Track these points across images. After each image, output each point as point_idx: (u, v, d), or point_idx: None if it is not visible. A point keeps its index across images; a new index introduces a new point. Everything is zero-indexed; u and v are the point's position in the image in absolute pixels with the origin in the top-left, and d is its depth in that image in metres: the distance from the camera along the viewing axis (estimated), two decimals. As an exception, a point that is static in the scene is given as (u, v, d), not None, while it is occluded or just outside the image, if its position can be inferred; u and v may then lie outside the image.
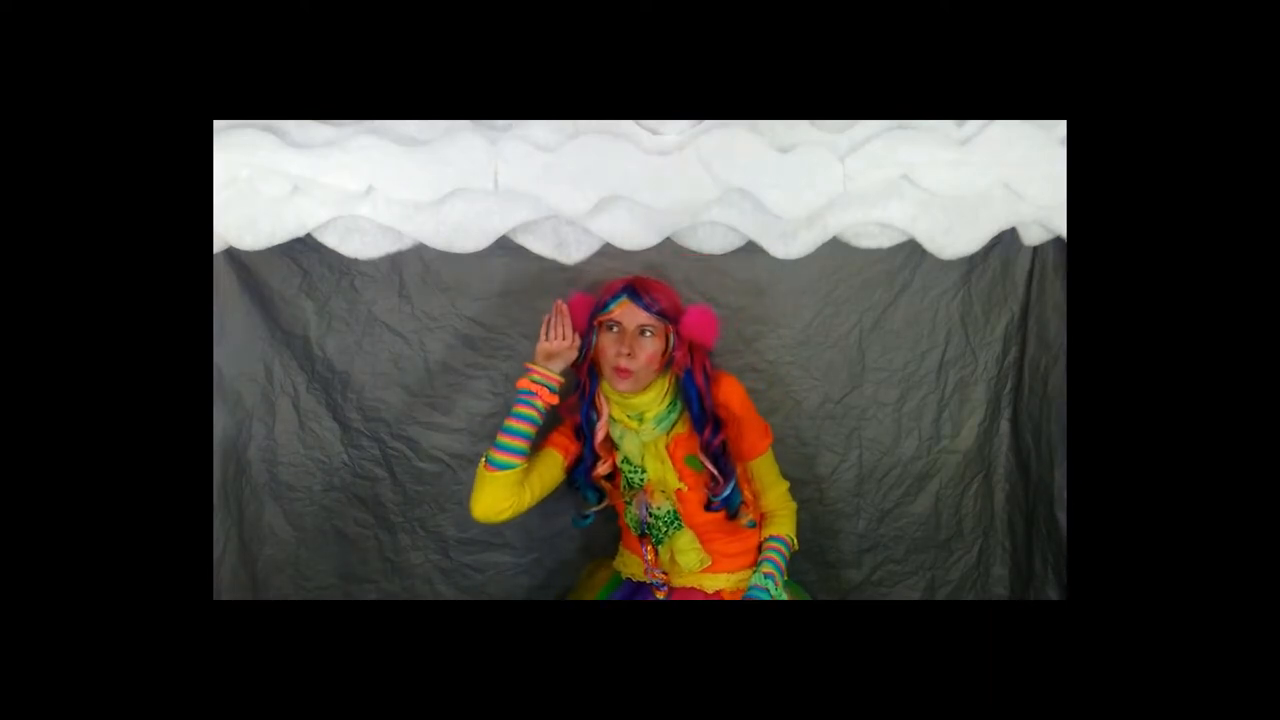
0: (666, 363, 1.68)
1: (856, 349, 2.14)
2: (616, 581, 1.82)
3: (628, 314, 1.62)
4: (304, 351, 2.02)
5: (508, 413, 1.63)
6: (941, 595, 2.29)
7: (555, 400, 1.63)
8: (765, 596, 1.67)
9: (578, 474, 1.73)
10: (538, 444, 1.69)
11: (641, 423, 1.67)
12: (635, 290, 1.62)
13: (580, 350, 1.67)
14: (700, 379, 1.65)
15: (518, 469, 1.59)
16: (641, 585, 1.75)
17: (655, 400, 1.68)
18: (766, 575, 1.70)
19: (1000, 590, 2.29)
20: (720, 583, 1.73)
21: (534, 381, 1.61)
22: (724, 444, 1.67)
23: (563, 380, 1.66)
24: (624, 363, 1.60)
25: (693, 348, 1.66)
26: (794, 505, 1.85)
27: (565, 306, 1.66)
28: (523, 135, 1.46)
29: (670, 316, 1.64)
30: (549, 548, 2.18)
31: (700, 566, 1.71)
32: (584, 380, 1.69)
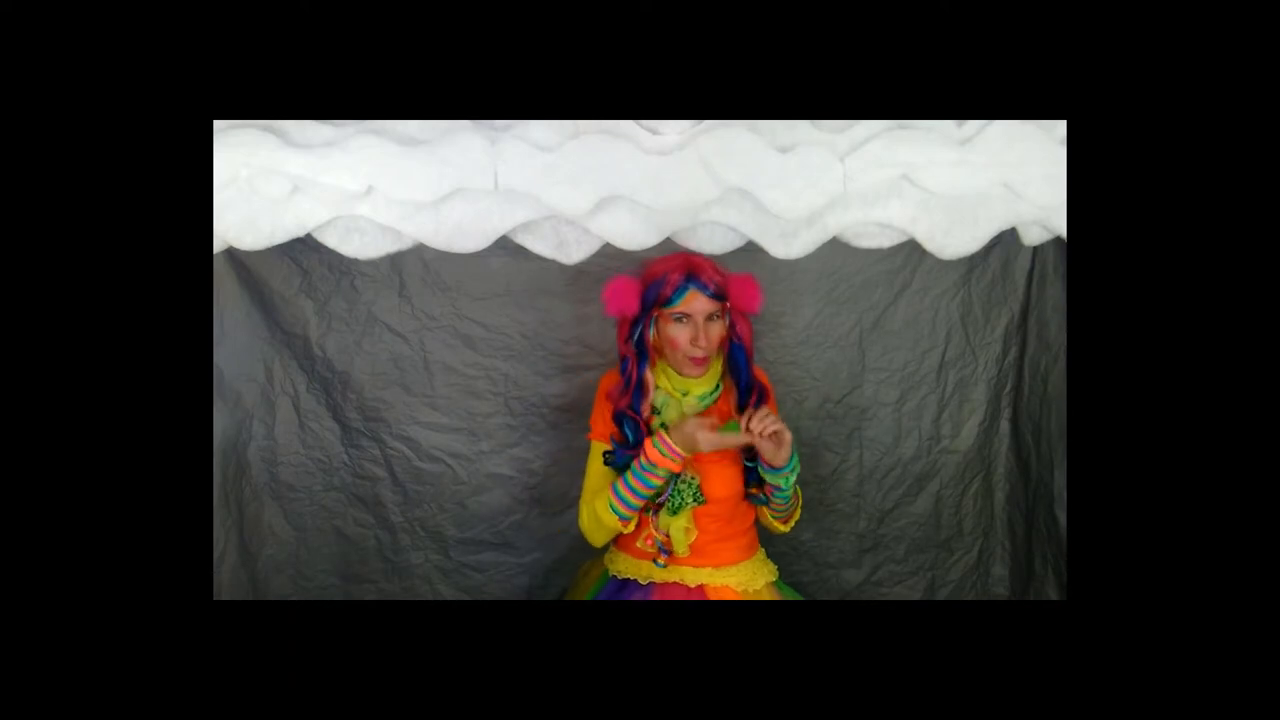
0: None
1: (856, 349, 2.14)
2: (605, 579, 1.82)
3: (695, 303, 1.63)
4: (304, 351, 2.03)
5: (639, 477, 1.63)
6: (941, 595, 2.29)
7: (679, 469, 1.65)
8: (793, 459, 1.66)
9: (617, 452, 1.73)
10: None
11: (686, 396, 1.71)
12: (697, 277, 1.61)
13: (633, 342, 1.67)
14: (749, 346, 1.71)
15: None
16: (627, 582, 1.75)
17: (707, 379, 1.71)
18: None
19: (1000, 590, 2.29)
20: (703, 577, 1.71)
21: (671, 461, 1.62)
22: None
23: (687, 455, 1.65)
24: (699, 353, 1.64)
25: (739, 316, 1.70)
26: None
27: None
28: (523, 135, 1.46)
29: (726, 294, 1.66)
30: (549, 547, 2.19)
31: (684, 553, 1.71)
32: (631, 365, 1.69)
